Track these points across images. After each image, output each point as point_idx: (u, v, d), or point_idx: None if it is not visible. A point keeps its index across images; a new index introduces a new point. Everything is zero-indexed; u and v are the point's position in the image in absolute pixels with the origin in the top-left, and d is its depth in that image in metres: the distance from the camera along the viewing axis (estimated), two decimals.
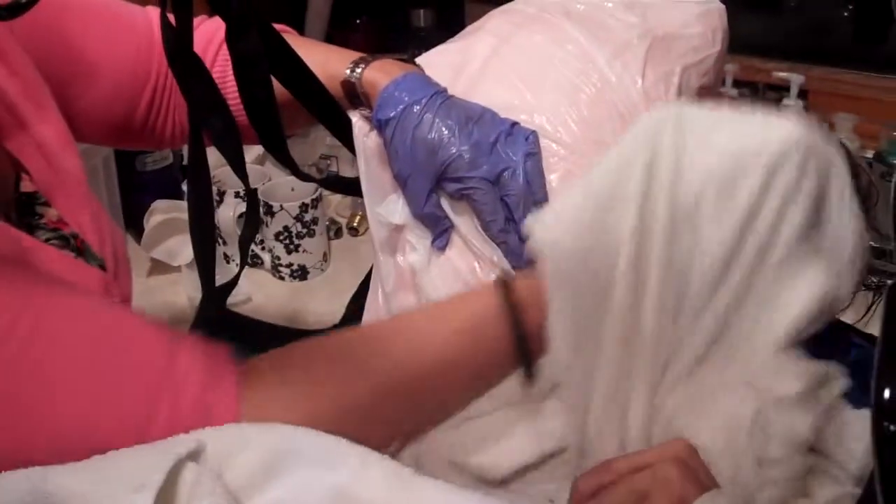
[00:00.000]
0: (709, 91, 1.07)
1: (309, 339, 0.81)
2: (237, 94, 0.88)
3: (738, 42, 1.75)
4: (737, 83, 1.68)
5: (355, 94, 0.98)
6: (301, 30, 1.96)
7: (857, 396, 0.79)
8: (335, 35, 1.97)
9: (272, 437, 0.68)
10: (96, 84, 1.00)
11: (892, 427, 0.36)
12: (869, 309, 0.99)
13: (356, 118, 0.99)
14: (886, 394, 0.36)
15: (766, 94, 1.68)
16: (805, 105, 1.65)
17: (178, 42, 0.81)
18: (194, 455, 0.65)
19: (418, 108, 0.93)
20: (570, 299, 0.79)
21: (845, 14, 1.80)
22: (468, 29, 1.10)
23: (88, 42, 0.98)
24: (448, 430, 0.85)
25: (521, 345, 0.82)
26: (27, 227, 0.84)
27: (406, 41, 1.75)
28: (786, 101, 1.62)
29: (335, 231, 1.69)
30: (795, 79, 1.62)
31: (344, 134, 1.00)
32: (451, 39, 1.09)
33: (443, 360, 0.81)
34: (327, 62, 0.99)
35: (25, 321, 0.67)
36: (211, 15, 1.04)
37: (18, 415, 0.67)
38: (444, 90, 0.97)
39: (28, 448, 0.66)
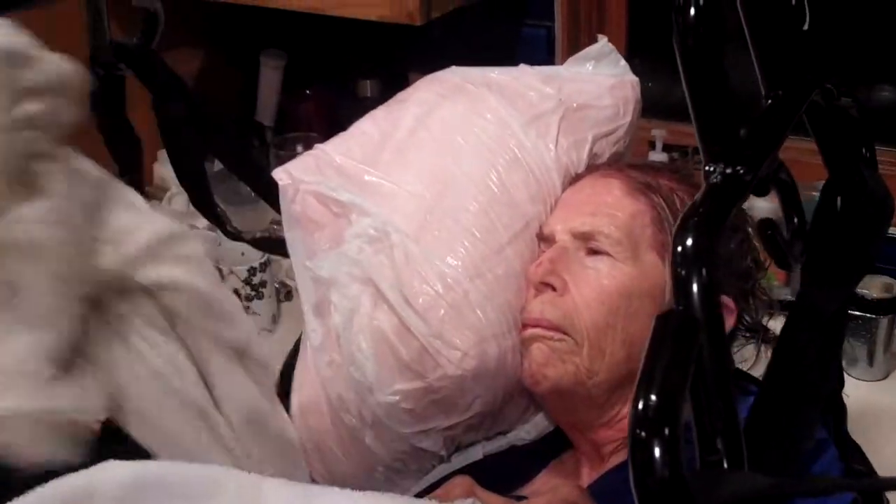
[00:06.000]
0: (620, 157, 1.15)
1: None
2: None
3: (668, 108, 1.84)
4: (667, 147, 1.76)
5: None
6: (253, 101, 2.03)
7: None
8: (287, 105, 2.05)
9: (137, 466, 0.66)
10: None
11: (643, 433, 0.43)
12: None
13: (283, 181, 1.04)
14: (640, 405, 0.43)
15: (695, 157, 1.75)
16: None
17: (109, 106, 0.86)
18: None
19: None
20: None
21: None
22: (398, 96, 1.17)
23: None
24: None
25: None
26: None
27: (353, 111, 1.81)
28: None
29: (286, 293, 1.73)
30: None
31: (267, 193, 1.04)
32: (382, 105, 1.16)
33: None
34: None
35: None
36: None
37: None
38: None
39: None
